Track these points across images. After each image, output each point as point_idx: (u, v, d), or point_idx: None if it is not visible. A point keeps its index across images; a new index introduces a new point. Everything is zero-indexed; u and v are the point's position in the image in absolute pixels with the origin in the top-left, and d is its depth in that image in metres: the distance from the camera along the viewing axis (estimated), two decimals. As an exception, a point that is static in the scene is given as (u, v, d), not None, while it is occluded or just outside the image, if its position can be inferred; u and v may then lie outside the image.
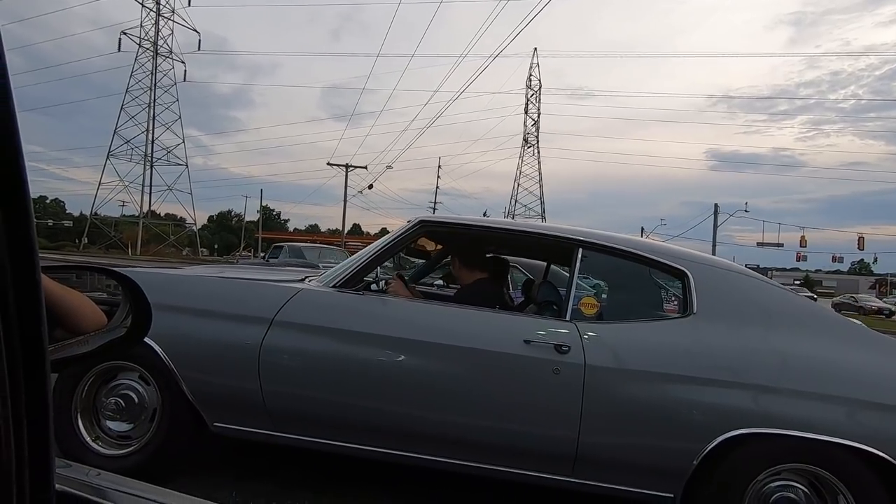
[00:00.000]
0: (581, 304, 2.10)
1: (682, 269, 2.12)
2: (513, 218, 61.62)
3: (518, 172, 62.27)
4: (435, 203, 50.54)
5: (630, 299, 2.44)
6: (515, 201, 62.70)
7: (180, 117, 46.43)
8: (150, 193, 45.25)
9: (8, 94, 0.34)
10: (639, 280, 2.36)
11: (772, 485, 1.88)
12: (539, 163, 62.08)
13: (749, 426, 1.83)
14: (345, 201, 32.71)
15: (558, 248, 2.34)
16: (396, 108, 55.65)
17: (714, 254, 41.70)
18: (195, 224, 49.97)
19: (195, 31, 45.76)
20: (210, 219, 74.80)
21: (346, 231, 37.76)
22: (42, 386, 0.39)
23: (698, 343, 1.98)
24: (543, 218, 62.46)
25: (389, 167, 32.33)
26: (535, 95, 60.91)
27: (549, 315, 2.31)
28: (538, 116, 61.48)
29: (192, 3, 45.02)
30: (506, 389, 1.99)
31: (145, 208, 45.32)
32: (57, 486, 0.43)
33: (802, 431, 1.80)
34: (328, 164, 33.81)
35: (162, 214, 55.41)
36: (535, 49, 60.62)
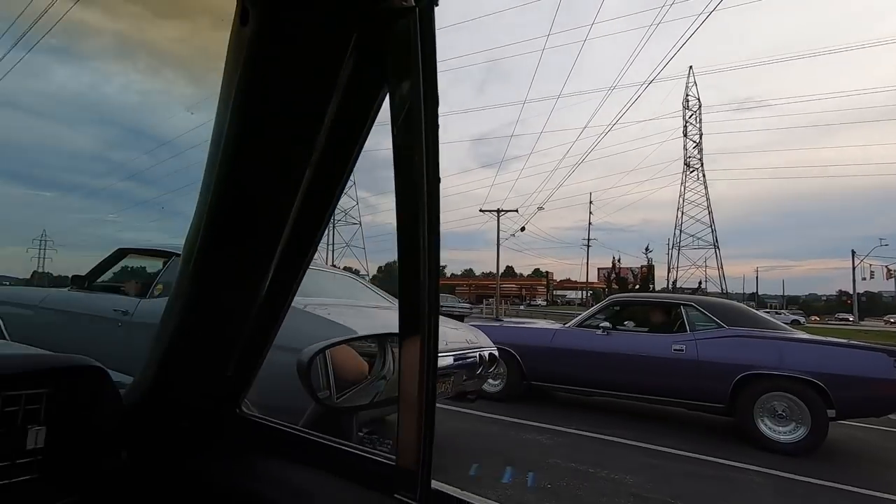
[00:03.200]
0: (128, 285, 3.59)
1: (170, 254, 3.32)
2: (678, 250, 56.08)
3: (681, 200, 57.16)
4: (588, 239, 48.77)
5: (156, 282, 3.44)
6: (680, 231, 57.24)
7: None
8: (333, 250, 52.62)
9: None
10: (155, 269, 3.45)
11: None
12: (706, 187, 56.25)
13: None
14: (497, 245, 33.59)
15: None
16: (543, 150, 56.43)
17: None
18: (367, 274, 56.27)
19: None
20: (379, 269, 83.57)
21: (499, 273, 38.46)
22: (431, 405, 0.52)
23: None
24: (716, 248, 55.70)
25: (541, 208, 32.61)
26: (694, 116, 56.20)
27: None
28: (700, 137, 56.32)
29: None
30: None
31: (328, 263, 52.72)
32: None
33: None
34: (480, 210, 35.49)
35: (341, 268, 63.91)
36: (691, 67, 56.46)
